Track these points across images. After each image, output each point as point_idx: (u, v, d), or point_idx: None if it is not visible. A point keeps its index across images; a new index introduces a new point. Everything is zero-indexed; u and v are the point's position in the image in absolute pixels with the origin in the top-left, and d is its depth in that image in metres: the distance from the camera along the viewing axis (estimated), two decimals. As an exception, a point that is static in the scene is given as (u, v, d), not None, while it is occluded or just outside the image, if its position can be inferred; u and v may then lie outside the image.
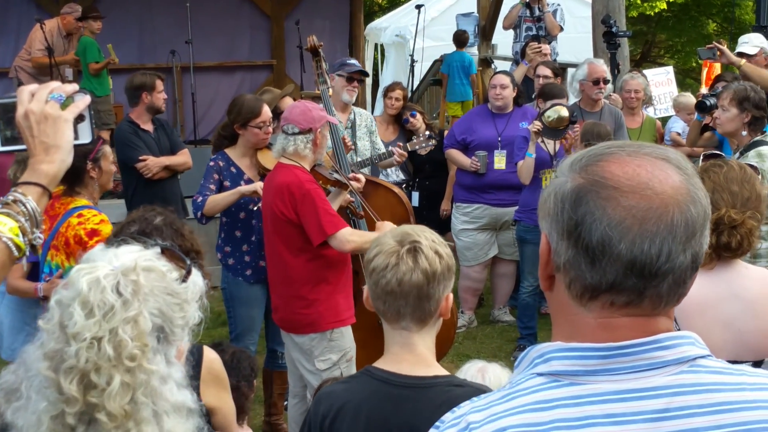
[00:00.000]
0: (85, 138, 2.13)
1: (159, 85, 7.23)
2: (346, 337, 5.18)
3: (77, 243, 4.68)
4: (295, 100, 6.41)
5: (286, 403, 6.31)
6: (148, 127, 7.24)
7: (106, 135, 10.15)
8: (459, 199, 8.19)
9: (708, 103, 7.02)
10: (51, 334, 1.93)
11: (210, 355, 3.11)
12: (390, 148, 7.26)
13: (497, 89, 7.95)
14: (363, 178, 5.89)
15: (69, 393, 1.89)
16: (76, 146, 2.09)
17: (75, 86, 2.14)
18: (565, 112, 6.91)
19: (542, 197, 1.51)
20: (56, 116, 2.05)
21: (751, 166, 4.71)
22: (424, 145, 7.18)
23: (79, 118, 2.11)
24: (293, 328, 5.21)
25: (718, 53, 7.27)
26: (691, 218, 1.43)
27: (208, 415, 3.01)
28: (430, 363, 2.78)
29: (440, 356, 6.26)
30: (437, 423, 1.51)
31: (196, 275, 2.10)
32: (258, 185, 5.71)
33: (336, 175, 5.49)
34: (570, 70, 10.42)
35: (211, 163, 5.97)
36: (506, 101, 7.94)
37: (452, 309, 6.05)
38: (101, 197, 10.05)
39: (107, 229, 4.77)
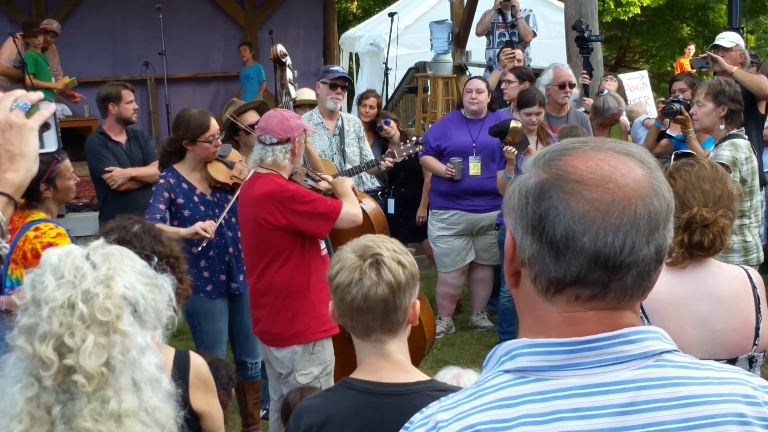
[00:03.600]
0: (51, 146, 2.12)
1: (126, 95, 7.13)
2: (327, 350, 5.11)
3: (34, 257, 4.59)
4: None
5: (263, 412, 6.30)
6: (121, 138, 7.18)
7: None
8: (435, 206, 8.20)
9: (674, 108, 7.05)
10: (24, 311, 1.95)
11: (197, 361, 3.13)
12: (378, 157, 7.20)
13: (473, 93, 7.97)
14: (329, 178, 5.88)
15: (44, 355, 1.89)
16: (41, 155, 2.08)
17: (40, 94, 2.13)
18: (515, 123, 6.91)
19: (507, 193, 1.51)
20: (21, 125, 2.04)
21: (723, 164, 4.76)
22: (411, 151, 7.15)
23: (45, 127, 2.09)
24: (276, 341, 5.11)
25: (712, 62, 7.34)
26: (654, 211, 1.43)
27: (197, 418, 3.04)
28: (408, 369, 2.75)
29: (415, 363, 6.24)
30: (406, 424, 1.51)
31: (162, 278, 2.10)
32: (198, 226, 5.58)
33: (310, 182, 5.49)
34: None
35: (161, 181, 5.85)
36: (481, 106, 7.96)
37: (426, 315, 6.07)
38: (76, 210, 10.03)
39: (64, 243, 4.71)
